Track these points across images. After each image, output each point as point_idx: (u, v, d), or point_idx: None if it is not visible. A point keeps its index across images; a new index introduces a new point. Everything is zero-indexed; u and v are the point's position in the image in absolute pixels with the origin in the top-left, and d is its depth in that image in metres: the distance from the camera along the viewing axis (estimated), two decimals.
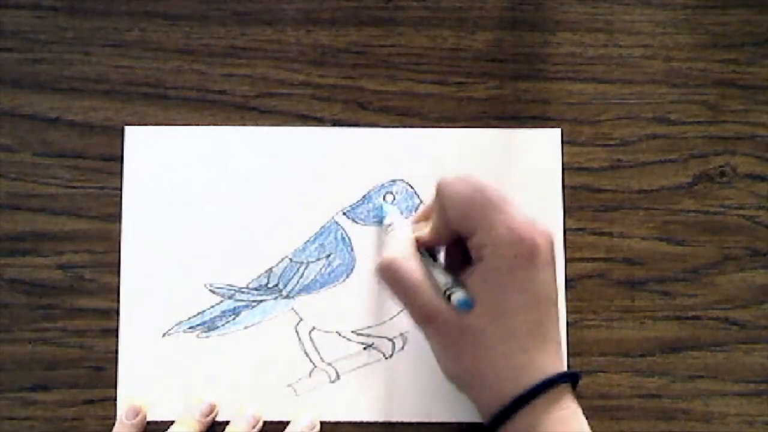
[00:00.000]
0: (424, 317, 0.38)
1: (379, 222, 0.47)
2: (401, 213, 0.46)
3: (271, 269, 0.47)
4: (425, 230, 0.40)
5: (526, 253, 0.36)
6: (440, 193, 0.39)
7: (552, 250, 0.37)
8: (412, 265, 0.38)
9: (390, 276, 0.38)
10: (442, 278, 0.38)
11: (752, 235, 0.48)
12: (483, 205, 0.37)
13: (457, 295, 0.37)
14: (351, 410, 0.46)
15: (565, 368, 0.38)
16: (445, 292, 0.37)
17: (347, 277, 0.47)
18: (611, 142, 0.48)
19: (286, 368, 0.46)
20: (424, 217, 0.41)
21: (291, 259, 0.47)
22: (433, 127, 0.48)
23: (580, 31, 0.49)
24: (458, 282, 0.38)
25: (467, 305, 0.36)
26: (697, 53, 0.49)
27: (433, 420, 0.45)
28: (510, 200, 0.38)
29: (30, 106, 0.48)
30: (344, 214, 0.47)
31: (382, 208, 0.47)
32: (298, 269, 0.47)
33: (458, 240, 0.39)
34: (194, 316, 0.46)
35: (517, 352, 0.36)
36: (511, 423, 0.37)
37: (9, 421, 0.46)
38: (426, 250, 0.41)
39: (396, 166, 0.48)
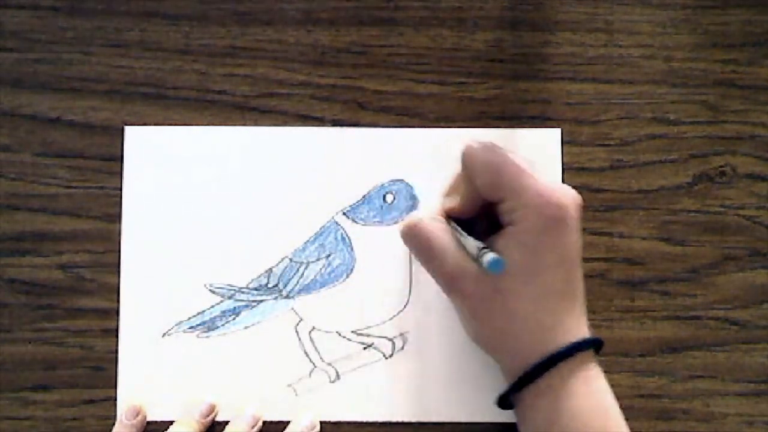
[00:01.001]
0: (451, 279, 0.39)
1: (380, 222, 0.47)
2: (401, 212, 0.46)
3: (271, 269, 0.47)
4: (454, 202, 0.41)
5: (555, 215, 0.37)
6: (467, 163, 0.40)
7: (579, 213, 0.39)
8: (438, 227, 0.39)
9: (414, 238, 0.39)
10: (473, 243, 0.39)
11: (752, 235, 0.48)
12: (511, 171, 0.38)
13: (489, 257, 0.37)
14: (351, 410, 0.46)
15: (588, 332, 0.39)
16: (477, 256, 0.38)
17: (347, 277, 0.47)
18: (611, 142, 0.48)
19: (286, 368, 0.46)
20: (453, 190, 0.42)
21: (291, 259, 0.47)
22: (433, 127, 0.48)
23: (580, 31, 0.49)
24: (488, 247, 0.38)
25: (500, 266, 0.37)
26: (697, 53, 0.49)
27: (433, 420, 0.45)
28: (525, 165, 0.39)
29: (30, 106, 0.48)
30: (344, 214, 0.47)
31: (382, 207, 0.47)
32: (298, 269, 0.47)
33: (486, 213, 0.40)
34: (194, 316, 0.46)
35: (547, 313, 0.38)
36: (536, 384, 0.38)
37: (9, 421, 0.46)
38: (455, 221, 0.41)
39: (396, 166, 0.48)
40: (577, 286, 0.39)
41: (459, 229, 0.40)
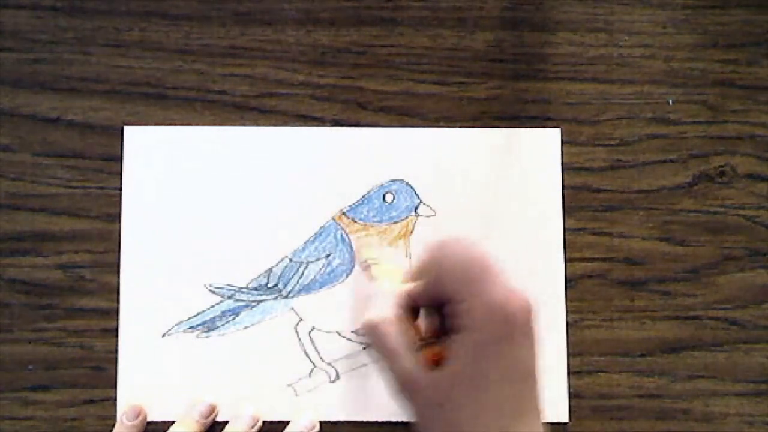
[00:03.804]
0: (402, 384, 0.37)
1: (380, 221, 0.47)
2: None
3: (270, 269, 0.47)
4: (412, 287, 0.39)
5: (503, 328, 0.35)
6: (430, 259, 0.38)
7: (531, 322, 0.36)
8: (393, 329, 0.37)
9: (371, 338, 0.38)
10: (416, 335, 0.38)
11: (752, 235, 0.48)
12: (466, 275, 0.36)
13: (427, 352, 0.36)
14: (351, 410, 0.46)
15: None
16: (419, 347, 0.37)
17: (347, 276, 0.47)
18: (611, 142, 0.48)
19: (286, 368, 0.46)
20: (417, 276, 0.40)
21: (291, 259, 0.47)
22: (433, 127, 0.48)
23: (580, 31, 0.49)
24: (435, 341, 0.37)
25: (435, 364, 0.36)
26: (697, 53, 0.49)
27: None
28: (496, 268, 0.36)
29: (30, 106, 0.48)
30: (344, 214, 0.47)
31: (382, 207, 0.47)
32: (297, 269, 0.47)
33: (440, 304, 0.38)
34: (194, 316, 0.46)
35: (493, 427, 0.36)
36: None
37: (9, 421, 0.46)
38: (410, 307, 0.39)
39: (396, 166, 0.48)
40: (528, 400, 0.36)
41: (413, 319, 0.39)
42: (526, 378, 0.37)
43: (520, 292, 0.36)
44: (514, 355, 0.36)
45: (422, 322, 0.39)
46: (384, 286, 0.41)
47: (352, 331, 0.46)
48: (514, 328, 0.36)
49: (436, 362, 0.36)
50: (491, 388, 0.36)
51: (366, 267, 0.45)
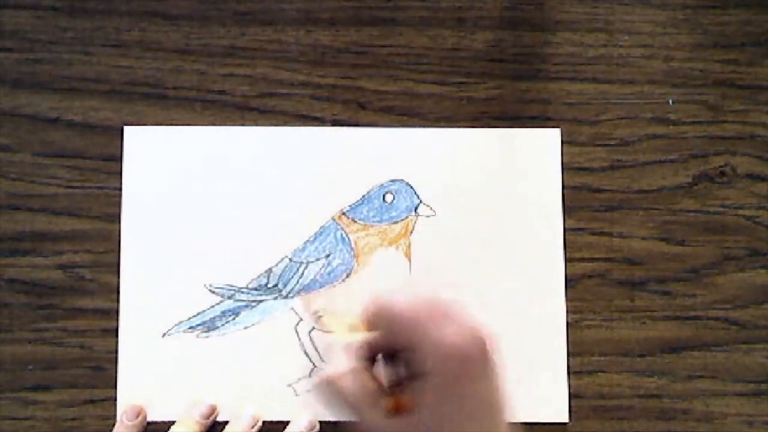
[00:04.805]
0: None
1: (380, 221, 0.47)
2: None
3: (270, 269, 0.47)
4: (365, 338, 0.38)
5: (457, 369, 0.35)
6: (376, 312, 0.37)
7: (488, 358, 0.36)
8: (352, 383, 0.37)
9: (332, 395, 0.38)
10: (375, 385, 0.37)
11: (752, 235, 0.48)
12: (415, 323, 0.36)
13: (388, 401, 0.36)
14: None
15: None
16: (379, 397, 0.36)
17: (347, 276, 0.47)
18: (611, 142, 0.48)
19: (286, 368, 0.46)
20: (368, 326, 0.39)
21: (291, 259, 0.47)
22: (433, 127, 0.48)
23: (580, 31, 0.49)
24: (395, 389, 0.37)
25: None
26: (697, 53, 0.49)
27: None
28: (447, 311, 0.36)
29: (30, 106, 0.48)
30: (344, 213, 0.47)
31: (382, 207, 0.47)
32: (297, 269, 0.47)
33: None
34: (194, 316, 0.46)
35: None
36: None
37: (9, 421, 0.46)
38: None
39: (396, 166, 0.48)
40: None
41: (369, 367, 0.38)
42: (491, 412, 0.36)
43: (471, 328, 0.36)
44: (476, 392, 0.35)
45: (380, 370, 0.38)
46: (336, 335, 0.40)
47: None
48: (470, 365, 0.35)
49: (399, 410, 0.36)
50: (458, 430, 0.35)
51: (317, 318, 0.45)
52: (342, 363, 0.38)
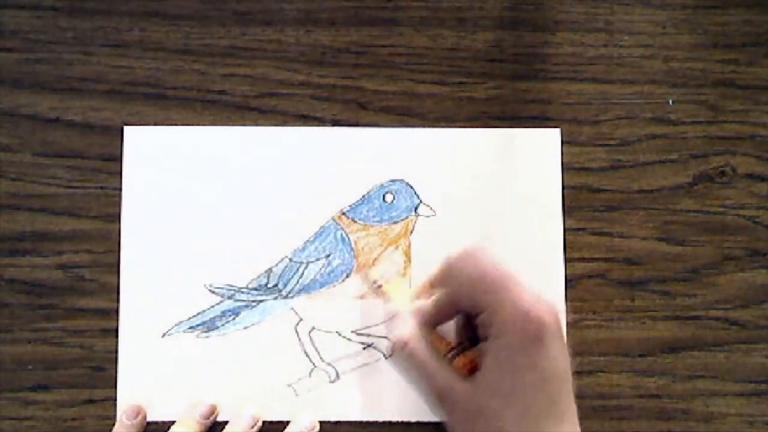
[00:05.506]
0: (439, 397, 0.38)
1: (380, 221, 0.47)
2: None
3: (270, 269, 0.47)
4: (428, 304, 0.39)
5: (533, 331, 0.36)
6: (447, 272, 0.39)
7: (559, 325, 0.37)
8: (423, 344, 0.38)
9: (403, 356, 0.38)
10: (444, 346, 0.38)
11: (752, 235, 0.48)
12: (489, 284, 0.37)
13: (459, 361, 0.37)
14: (351, 410, 0.46)
15: None
16: (446, 355, 0.38)
17: (347, 276, 0.47)
18: (611, 142, 0.48)
19: (286, 368, 0.46)
20: (425, 291, 0.41)
21: (291, 259, 0.47)
22: (433, 127, 0.48)
23: (580, 31, 0.49)
24: (465, 348, 0.38)
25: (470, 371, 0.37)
26: (697, 53, 0.49)
27: (433, 419, 0.45)
28: (515, 277, 0.37)
29: (30, 106, 0.48)
30: (344, 214, 0.47)
31: (382, 207, 0.47)
32: (297, 269, 0.47)
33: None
34: (194, 316, 0.46)
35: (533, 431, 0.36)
36: None
37: (9, 421, 0.46)
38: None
39: (396, 166, 0.48)
40: (563, 403, 0.37)
41: (435, 332, 0.40)
42: (560, 379, 0.37)
43: (544, 297, 0.37)
44: (547, 358, 0.36)
45: (451, 330, 0.39)
46: (398, 303, 0.41)
47: (351, 331, 0.46)
48: (544, 330, 0.36)
49: (470, 370, 0.37)
50: (528, 392, 0.36)
51: (377, 288, 0.45)
52: (411, 326, 0.39)
